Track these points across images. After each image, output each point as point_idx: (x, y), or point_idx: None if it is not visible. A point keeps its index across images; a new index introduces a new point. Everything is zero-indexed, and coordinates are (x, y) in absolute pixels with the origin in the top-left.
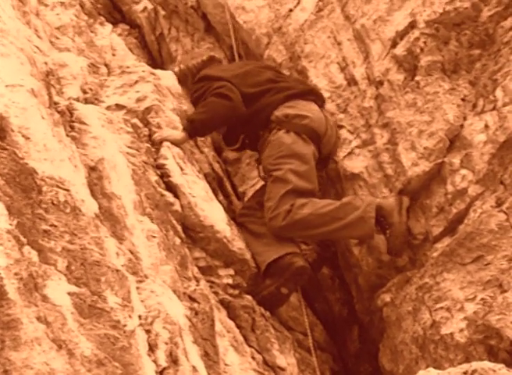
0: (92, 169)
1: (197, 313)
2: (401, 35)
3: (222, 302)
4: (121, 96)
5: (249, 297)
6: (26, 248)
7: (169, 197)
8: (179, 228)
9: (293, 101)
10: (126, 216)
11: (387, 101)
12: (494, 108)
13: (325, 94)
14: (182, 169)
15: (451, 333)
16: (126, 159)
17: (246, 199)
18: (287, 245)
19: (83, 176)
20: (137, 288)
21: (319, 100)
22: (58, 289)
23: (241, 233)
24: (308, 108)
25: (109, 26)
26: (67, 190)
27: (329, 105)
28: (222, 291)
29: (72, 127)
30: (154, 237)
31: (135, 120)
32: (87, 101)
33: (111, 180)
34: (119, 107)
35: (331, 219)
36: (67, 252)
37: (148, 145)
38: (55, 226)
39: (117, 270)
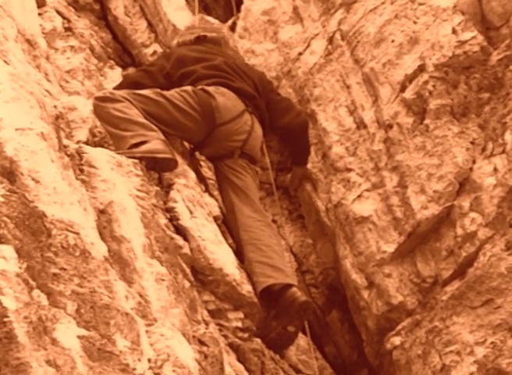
0: (101, 212)
1: (206, 357)
2: (410, 79)
3: (231, 346)
4: None
5: (258, 340)
6: (36, 292)
7: (179, 240)
8: (188, 271)
9: None
10: (135, 259)
11: (396, 144)
12: (503, 152)
13: (334, 138)
14: (191, 212)
15: None
16: (136, 202)
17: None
18: (285, 273)
19: (93, 220)
20: (147, 332)
21: None
22: (68, 332)
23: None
24: None
25: (119, 70)
26: (77, 233)
27: (338, 149)
28: (231, 335)
29: (81, 171)
30: (164, 280)
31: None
32: (96, 145)
33: (120, 223)
34: None
35: None
36: (76, 296)
37: (158, 188)
38: (65, 269)
39: (126, 314)
